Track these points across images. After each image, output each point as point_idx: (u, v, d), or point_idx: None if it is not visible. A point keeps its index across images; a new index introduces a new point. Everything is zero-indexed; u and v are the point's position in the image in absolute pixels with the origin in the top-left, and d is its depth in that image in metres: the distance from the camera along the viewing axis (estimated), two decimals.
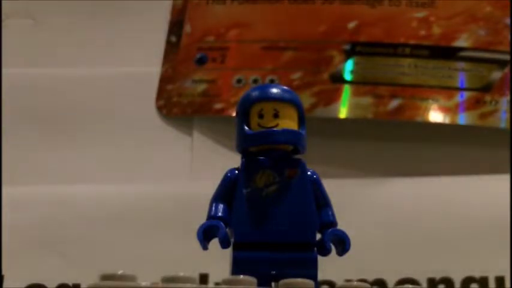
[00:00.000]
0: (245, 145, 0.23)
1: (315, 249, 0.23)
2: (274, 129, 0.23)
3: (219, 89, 0.47)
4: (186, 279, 0.19)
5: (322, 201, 0.23)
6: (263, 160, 0.23)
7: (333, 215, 0.23)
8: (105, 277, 0.19)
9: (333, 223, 0.23)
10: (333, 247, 0.23)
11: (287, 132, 0.23)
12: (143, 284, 0.20)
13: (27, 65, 0.49)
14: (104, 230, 0.42)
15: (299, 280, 0.20)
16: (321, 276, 0.23)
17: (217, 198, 0.23)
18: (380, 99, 0.45)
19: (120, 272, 0.19)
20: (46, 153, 0.45)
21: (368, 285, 0.21)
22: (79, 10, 0.51)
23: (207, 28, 0.49)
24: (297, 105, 0.23)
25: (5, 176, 0.42)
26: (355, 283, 0.21)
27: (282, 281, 0.20)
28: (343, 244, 0.23)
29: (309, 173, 0.23)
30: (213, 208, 0.23)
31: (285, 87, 0.23)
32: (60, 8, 0.51)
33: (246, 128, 0.23)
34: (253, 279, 0.20)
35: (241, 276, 0.20)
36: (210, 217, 0.23)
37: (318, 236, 0.23)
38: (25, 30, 0.51)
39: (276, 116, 0.23)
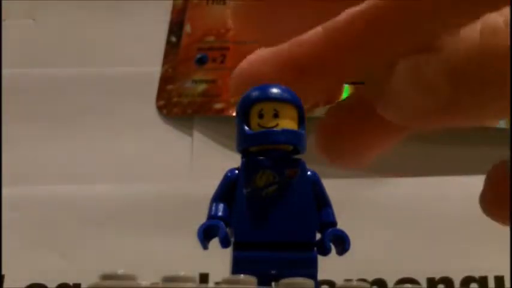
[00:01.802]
0: (245, 145, 0.23)
1: (315, 249, 0.23)
2: (274, 129, 0.23)
3: (219, 89, 0.47)
4: (187, 278, 0.19)
5: (322, 201, 0.23)
6: (263, 160, 0.23)
7: (333, 214, 0.23)
8: (106, 277, 0.19)
9: (333, 223, 0.23)
10: (332, 247, 0.23)
11: (287, 132, 0.23)
12: (143, 283, 0.20)
13: (27, 65, 0.49)
14: (104, 230, 0.42)
15: (299, 279, 0.20)
16: (321, 276, 0.23)
17: (217, 198, 0.23)
18: None
19: (120, 272, 0.19)
20: (46, 153, 0.45)
21: (368, 285, 0.21)
22: (79, 10, 0.51)
23: (207, 28, 0.49)
24: (297, 105, 0.23)
25: (5, 176, 0.42)
26: (354, 283, 0.21)
27: (282, 281, 0.20)
28: (343, 244, 0.23)
29: (309, 173, 0.23)
30: (213, 208, 0.23)
31: (285, 87, 0.23)
32: (60, 8, 0.51)
33: (246, 128, 0.23)
34: (253, 279, 0.20)
35: (242, 275, 0.20)
36: (210, 217, 0.23)
37: (318, 236, 0.23)
38: (25, 30, 0.51)
39: (275, 116, 0.23)
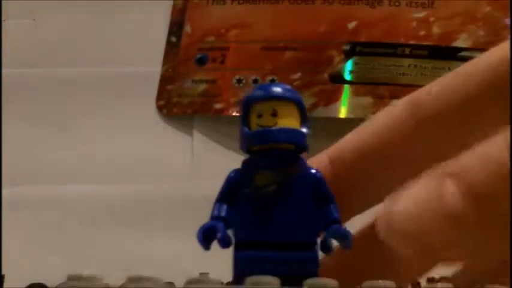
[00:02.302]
0: (245, 145, 0.23)
1: (316, 247, 0.23)
2: (272, 128, 0.23)
3: (219, 89, 0.47)
4: (149, 279, 0.19)
5: (325, 199, 0.23)
6: (263, 159, 0.23)
7: (336, 212, 0.23)
8: (72, 277, 0.19)
9: (337, 220, 0.23)
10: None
11: (285, 130, 0.23)
12: (111, 284, 0.20)
13: (27, 65, 0.49)
14: (103, 230, 0.42)
15: (324, 280, 0.20)
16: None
17: (220, 199, 0.23)
18: (380, 99, 0.45)
19: (86, 273, 0.19)
20: (46, 153, 0.45)
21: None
22: (79, 10, 0.51)
23: (207, 28, 0.49)
24: (297, 103, 0.23)
25: (5, 176, 0.42)
26: None
27: (307, 281, 0.20)
28: (345, 242, 0.23)
29: (311, 171, 0.23)
30: (216, 209, 0.23)
31: (285, 86, 0.23)
32: (60, 8, 0.51)
33: (246, 128, 0.23)
34: (276, 280, 0.20)
35: (265, 276, 0.20)
36: (213, 218, 0.23)
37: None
38: (25, 30, 0.51)
39: (274, 115, 0.23)
